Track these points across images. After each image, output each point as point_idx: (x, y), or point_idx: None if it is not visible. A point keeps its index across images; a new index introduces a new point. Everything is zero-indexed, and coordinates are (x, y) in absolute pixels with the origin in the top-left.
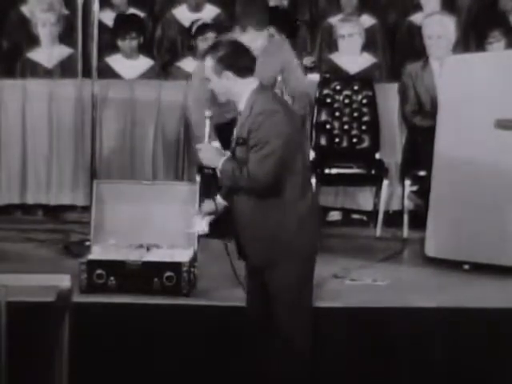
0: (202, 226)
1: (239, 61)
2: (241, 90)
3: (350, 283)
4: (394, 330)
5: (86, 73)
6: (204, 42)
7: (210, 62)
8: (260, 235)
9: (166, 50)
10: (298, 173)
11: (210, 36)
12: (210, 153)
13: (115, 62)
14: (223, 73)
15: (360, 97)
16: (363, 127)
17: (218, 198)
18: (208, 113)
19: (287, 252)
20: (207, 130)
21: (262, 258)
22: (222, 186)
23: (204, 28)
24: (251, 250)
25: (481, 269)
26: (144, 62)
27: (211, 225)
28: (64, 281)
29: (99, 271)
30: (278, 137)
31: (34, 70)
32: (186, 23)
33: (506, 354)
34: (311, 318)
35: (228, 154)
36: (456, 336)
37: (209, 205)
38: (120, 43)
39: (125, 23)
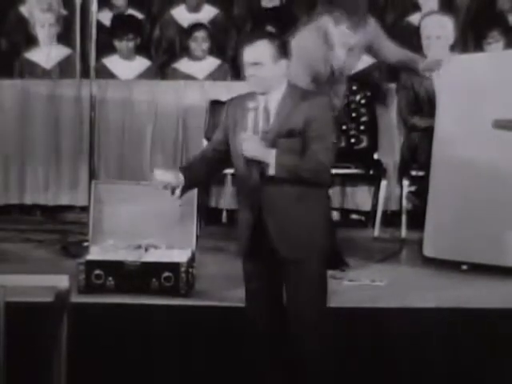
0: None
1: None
2: (282, 81)
3: (349, 284)
4: (392, 330)
5: (85, 73)
6: (196, 43)
7: (266, 46)
8: (301, 226)
9: (164, 51)
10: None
11: (202, 36)
12: (257, 144)
13: (112, 63)
14: (280, 60)
15: (358, 97)
16: (361, 127)
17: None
18: (252, 104)
19: (319, 247)
20: (250, 121)
21: (298, 251)
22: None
23: (196, 28)
24: (288, 242)
25: (479, 269)
26: (141, 63)
27: None
28: (62, 281)
29: (97, 271)
30: (333, 129)
31: (33, 71)
32: (185, 24)
33: (505, 355)
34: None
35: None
36: (454, 336)
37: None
38: (117, 44)
39: (122, 24)
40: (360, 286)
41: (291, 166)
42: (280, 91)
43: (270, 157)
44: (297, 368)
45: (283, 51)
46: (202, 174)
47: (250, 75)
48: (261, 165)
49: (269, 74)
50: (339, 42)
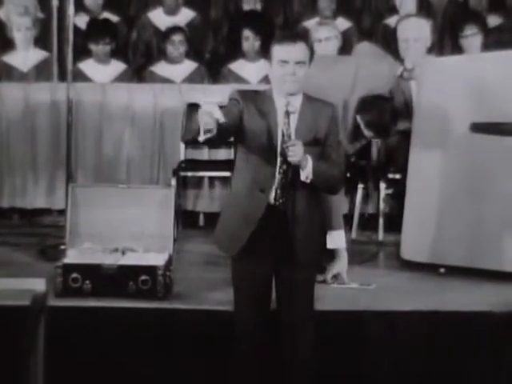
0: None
1: None
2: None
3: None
4: (369, 333)
5: (61, 76)
6: (173, 46)
7: (305, 46)
8: (319, 230)
9: (141, 54)
10: None
11: (179, 39)
12: (302, 150)
13: (87, 66)
14: (310, 62)
15: None
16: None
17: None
18: (291, 108)
19: (322, 250)
20: (293, 125)
21: (315, 256)
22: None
23: (173, 31)
24: (308, 246)
25: (456, 272)
26: (116, 67)
27: None
28: (39, 285)
29: (75, 275)
30: None
31: (10, 74)
32: (162, 27)
33: (483, 357)
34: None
35: None
36: (432, 340)
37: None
38: (93, 48)
39: (98, 28)
40: (336, 290)
41: (325, 172)
42: (300, 97)
43: (306, 162)
44: (285, 371)
45: (312, 56)
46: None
47: (289, 74)
48: (294, 169)
49: (304, 75)
50: None
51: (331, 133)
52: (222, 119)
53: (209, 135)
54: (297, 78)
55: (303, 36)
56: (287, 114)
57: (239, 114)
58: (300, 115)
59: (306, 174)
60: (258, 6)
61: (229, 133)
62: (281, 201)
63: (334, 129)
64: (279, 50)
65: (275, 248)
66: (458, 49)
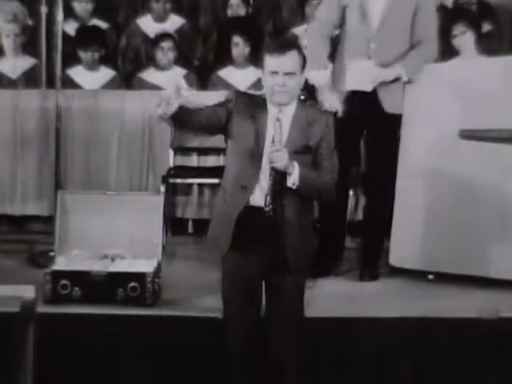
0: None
1: None
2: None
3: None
4: (358, 340)
5: (50, 83)
6: (162, 52)
7: (296, 56)
8: (309, 238)
9: (130, 61)
10: None
11: (168, 46)
12: (287, 156)
13: (76, 73)
14: (303, 73)
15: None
16: None
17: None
18: (279, 115)
19: (311, 258)
20: (277, 132)
21: (305, 262)
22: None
23: (162, 38)
24: (298, 254)
25: (445, 279)
26: (105, 74)
27: None
28: (28, 291)
29: (64, 282)
30: None
31: None
32: (151, 33)
33: (472, 364)
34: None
35: None
36: (420, 347)
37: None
38: (82, 54)
39: (87, 35)
40: (324, 296)
41: (312, 179)
42: (293, 105)
43: (293, 169)
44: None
45: (305, 64)
46: (193, 116)
47: (279, 85)
48: (280, 176)
49: (296, 85)
50: None
51: (324, 141)
52: (175, 104)
53: (162, 111)
54: (287, 89)
55: (294, 44)
56: (278, 120)
57: (225, 115)
58: (292, 122)
59: (292, 181)
60: (241, 11)
61: (192, 122)
62: (271, 206)
63: (328, 137)
64: (269, 61)
65: (265, 252)
66: (448, 47)
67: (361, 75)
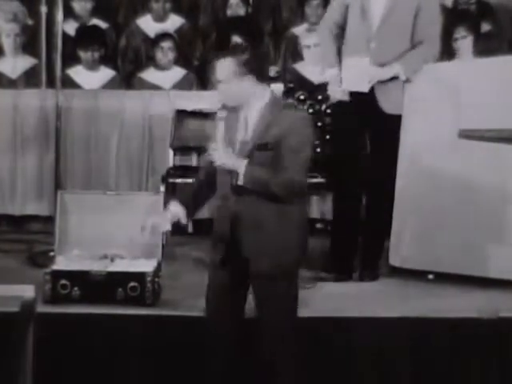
0: (166, 225)
1: (263, 66)
2: (256, 95)
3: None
4: (357, 340)
5: (50, 83)
6: (162, 52)
7: (229, 63)
8: (279, 241)
9: (130, 60)
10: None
11: (168, 46)
12: (226, 154)
13: (76, 73)
14: (245, 76)
15: (324, 106)
16: (326, 137)
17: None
18: (220, 114)
19: (295, 262)
20: (220, 131)
21: (273, 266)
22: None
23: (162, 38)
24: (263, 256)
25: (445, 279)
26: (105, 74)
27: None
28: (28, 291)
29: (63, 281)
30: (309, 145)
31: None
32: (151, 33)
33: (471, 364)
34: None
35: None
36: (419, 347)
37: (174, 207)
38: (82, 54)
39: (87, 35)
40: (323, 296)
41: (259, 178)
42: (262, 103)
43: (240, 166)
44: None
45: (249, 67)
46: (202, 200)
47: (218, 90)
48: (233, 174)
49: (233, 90)
50: None
51: (284, 141)
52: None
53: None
54: (223, 94)
55: (231, 51)
56: (245, 120)
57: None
58: (256, 122)
59: (240, 178)
60: (241, 12)
61: (207, 197)
62: (237, 207)
63: (290, 138)
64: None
65: (231, 253)
66: (449, 50)
67: (357, 75)
